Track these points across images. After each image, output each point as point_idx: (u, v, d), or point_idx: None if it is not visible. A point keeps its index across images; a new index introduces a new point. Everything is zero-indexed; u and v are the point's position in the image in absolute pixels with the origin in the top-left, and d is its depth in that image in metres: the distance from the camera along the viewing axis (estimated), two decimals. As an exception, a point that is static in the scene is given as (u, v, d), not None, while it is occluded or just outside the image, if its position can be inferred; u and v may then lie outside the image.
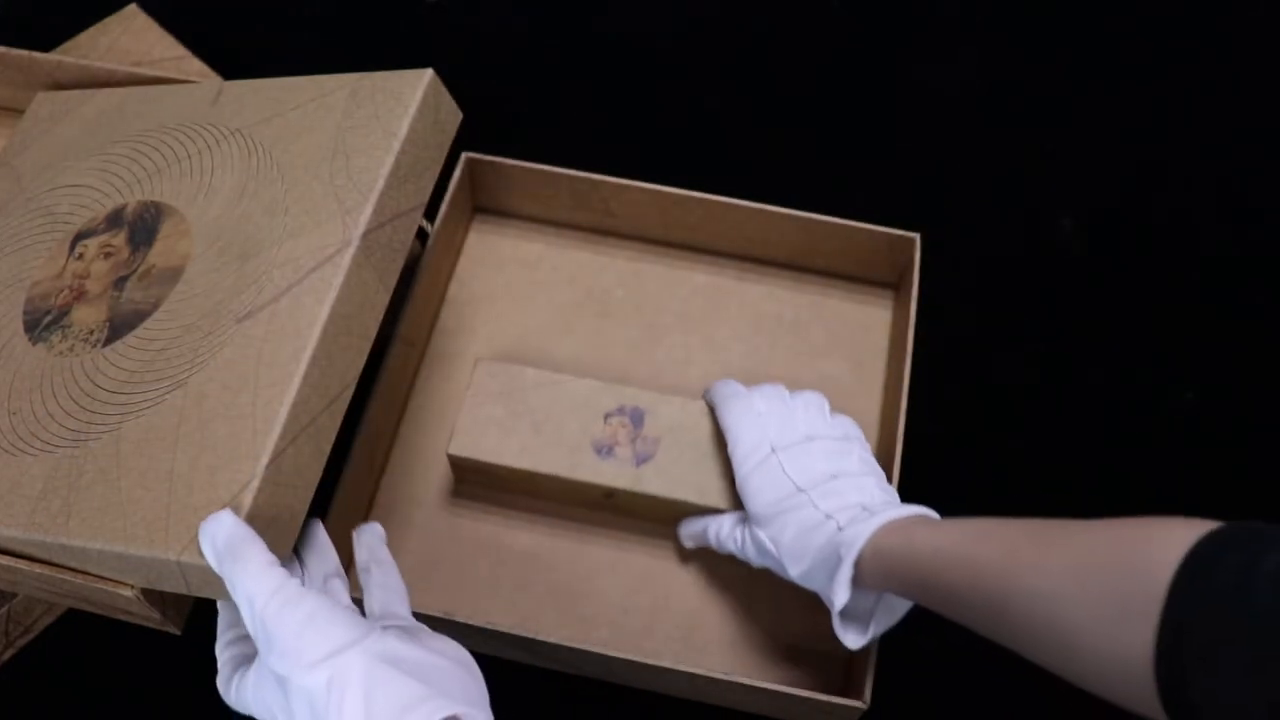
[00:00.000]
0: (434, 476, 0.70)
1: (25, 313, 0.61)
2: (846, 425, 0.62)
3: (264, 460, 0.48)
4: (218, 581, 0.46)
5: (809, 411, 0.61)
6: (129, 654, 0.65)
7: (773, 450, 0.59)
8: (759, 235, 0.75)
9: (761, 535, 0.58)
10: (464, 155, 0.74)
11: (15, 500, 0.53)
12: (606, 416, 0.66)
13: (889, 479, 0.63)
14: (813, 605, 0.65)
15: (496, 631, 0.58)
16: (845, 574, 0.53)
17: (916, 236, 0.71)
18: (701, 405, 0.66)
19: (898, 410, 0.66)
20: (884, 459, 0.66)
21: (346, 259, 0.54)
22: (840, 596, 0.53)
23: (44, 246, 0.64)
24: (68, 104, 0.72)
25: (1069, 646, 0.42)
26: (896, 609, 0.56)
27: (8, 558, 0.54)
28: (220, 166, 0.62)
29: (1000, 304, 0.79)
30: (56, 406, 0.56)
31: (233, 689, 0.46)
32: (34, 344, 0.59)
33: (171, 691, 0.64)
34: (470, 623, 0.58)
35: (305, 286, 0.54)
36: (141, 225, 0.62)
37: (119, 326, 0.58)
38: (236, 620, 0.50)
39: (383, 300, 0.56)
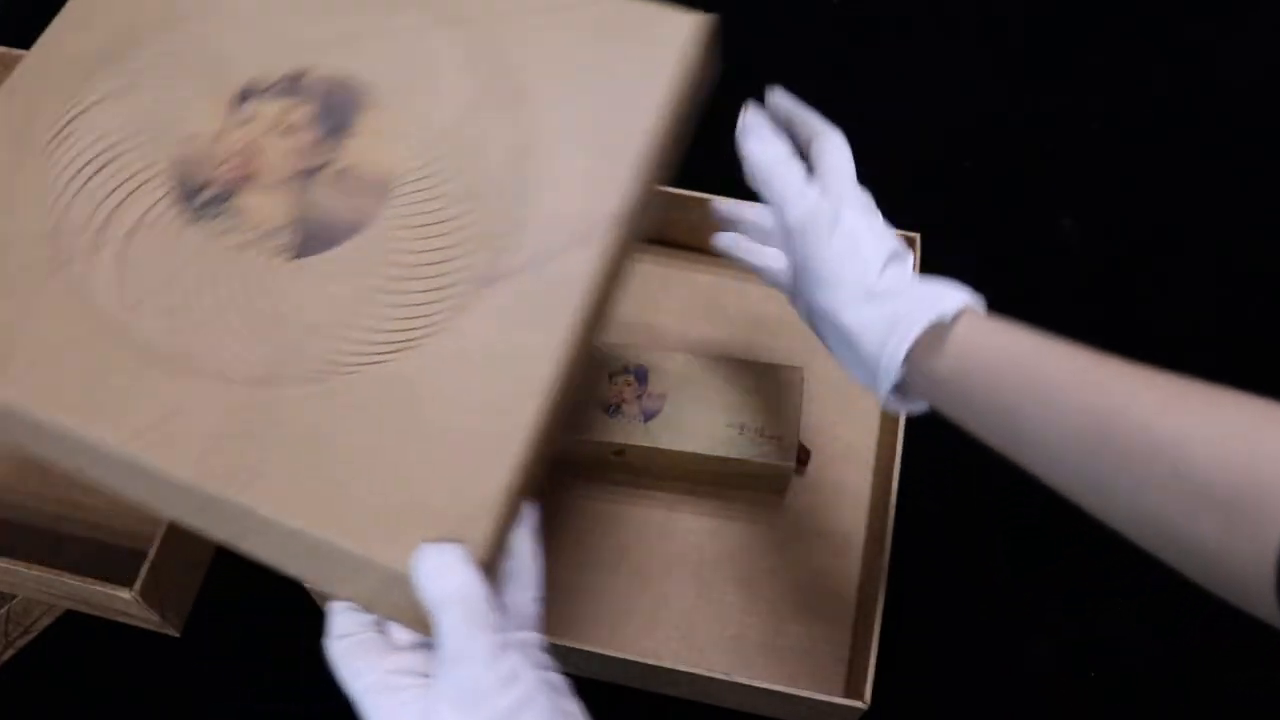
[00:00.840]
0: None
1: (175, 175, 0.49)
2: None
3: (517, 462, 0.41)
4: (419, 615, 0.40)
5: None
6: (128, 655, 0.65)
7: (838, 212, 0.53)
8: (759, 235, 0.74)
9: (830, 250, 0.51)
10: (463, 155, 0.74)
11: (179, 432, 0.42)
12: (611, 376, 0.67)
13: (891, 478, 0.63)
14: (813, 606, 0.65)
15: (496, 632, 0.58)
16: (913, 334, 0.47)
17: (916, 236, 0.71)
18: (704, 360, 0.68)
19: None
20: (884, 458, 0.66)
21: (607, 232, 0.46)
22: (900, 350, 0.47)
23: (194, 87, 0.50)
24: None
25: (1199, 495, 0.38)
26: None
27: (6, 559, 0.54)
28: (436, 58, 0.50)
29: (1000, 304, 0.79)
30: (237, 322, 0.45)
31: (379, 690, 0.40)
32: (189, 223, 0.47)
33: (171, 692, 0.64)
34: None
35: (562, 260, 0.45)
36: (332, 106, 0.50)
37: (311, 237, 0.47)
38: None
39: (622, 285, 0.48)
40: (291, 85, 0.51)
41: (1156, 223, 0.82)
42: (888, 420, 0.69)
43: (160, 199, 0.48)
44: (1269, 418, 0.39)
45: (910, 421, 0.66)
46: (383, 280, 0.45)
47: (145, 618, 0.57)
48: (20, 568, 0.55)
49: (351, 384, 0.43)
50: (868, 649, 0.58)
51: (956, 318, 0.48)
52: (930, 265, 0.71)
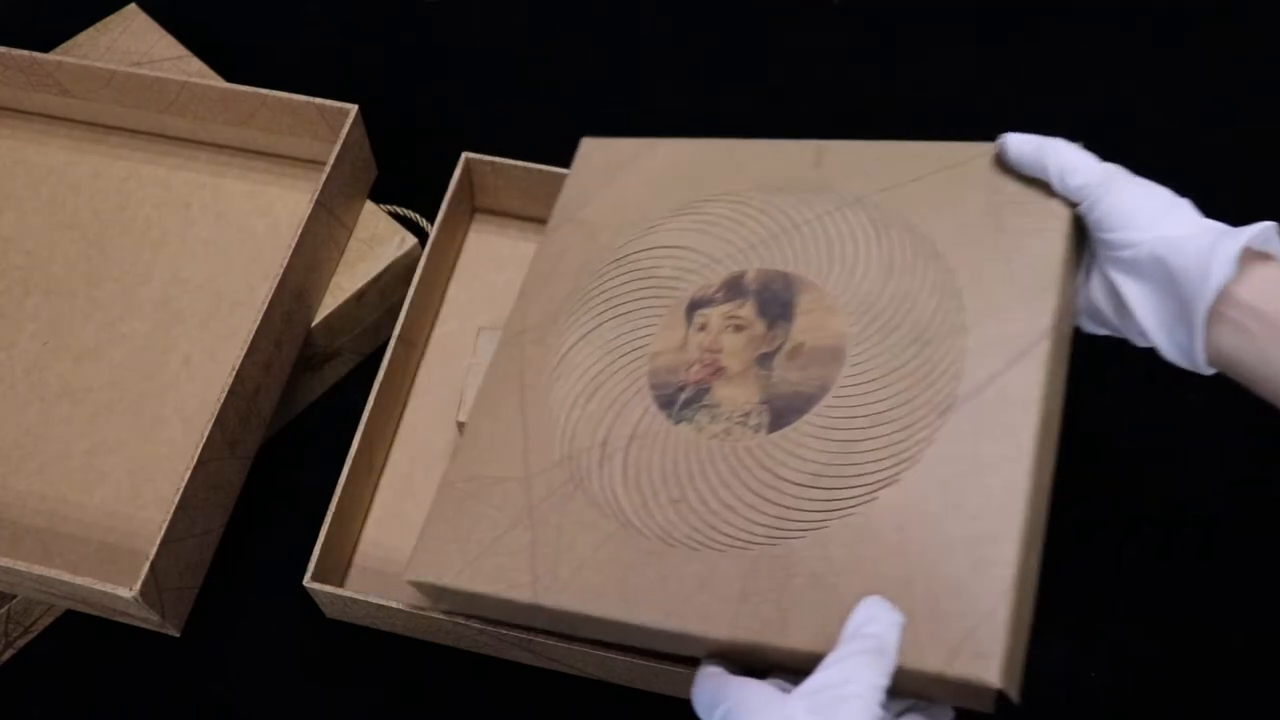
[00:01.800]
0: (433, 477, 0.69)
1: (653, 387, 0.57)
2: None
3: (1014, 569, 0.46)
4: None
5: None
6: (128, 655, 0.65)
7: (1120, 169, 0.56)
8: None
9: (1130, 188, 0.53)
10: (464, 155, 0.74)
11: (710, 601, 0.50)
12: None
13: None
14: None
15: (496, 632, 0.58)
16: (1247, 235, 0.48)
17: (917, 236, 0.71)
18: None
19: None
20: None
21: (1044, 351, 0.51)
22: (1228, 255, 0.47)
23: (653, 313, 0.60)
24: (622, 154, 0.68)
25: None
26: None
27: (7, 559, 0.54)
28: (849, 237, 0.59)
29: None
30: (734, 498, 0.53)
31: None
32: (676, 424, 0.56)
33: (171, 692, 0.64)
34: (470, 624, 0.58)
35: (1008, 380, 0.51)
36: (771, 297, 0.58)
37: (781, 410, 0.54)
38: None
39: (1062, 396, 0.53)
40: (732, 289, 0.59)
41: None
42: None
43: (646, 409, 0.56)
44: None
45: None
46: (854, 432, 0.52)
47: (145, 618, 0.57)
48: (20, 567, 0.55)
49: (847, 525, 0.49)
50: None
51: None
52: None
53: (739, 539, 0.51)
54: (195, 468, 0.58)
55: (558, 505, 0.55)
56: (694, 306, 0.59)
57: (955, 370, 0.52)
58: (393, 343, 0.67)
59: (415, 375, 0.73)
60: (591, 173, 0.68)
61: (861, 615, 0.45)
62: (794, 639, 0.47)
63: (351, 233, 0.74)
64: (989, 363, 0.52)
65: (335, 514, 0.62)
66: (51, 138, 0.77)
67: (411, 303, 0.69)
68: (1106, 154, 0.88)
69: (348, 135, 0.70)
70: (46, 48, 0.79)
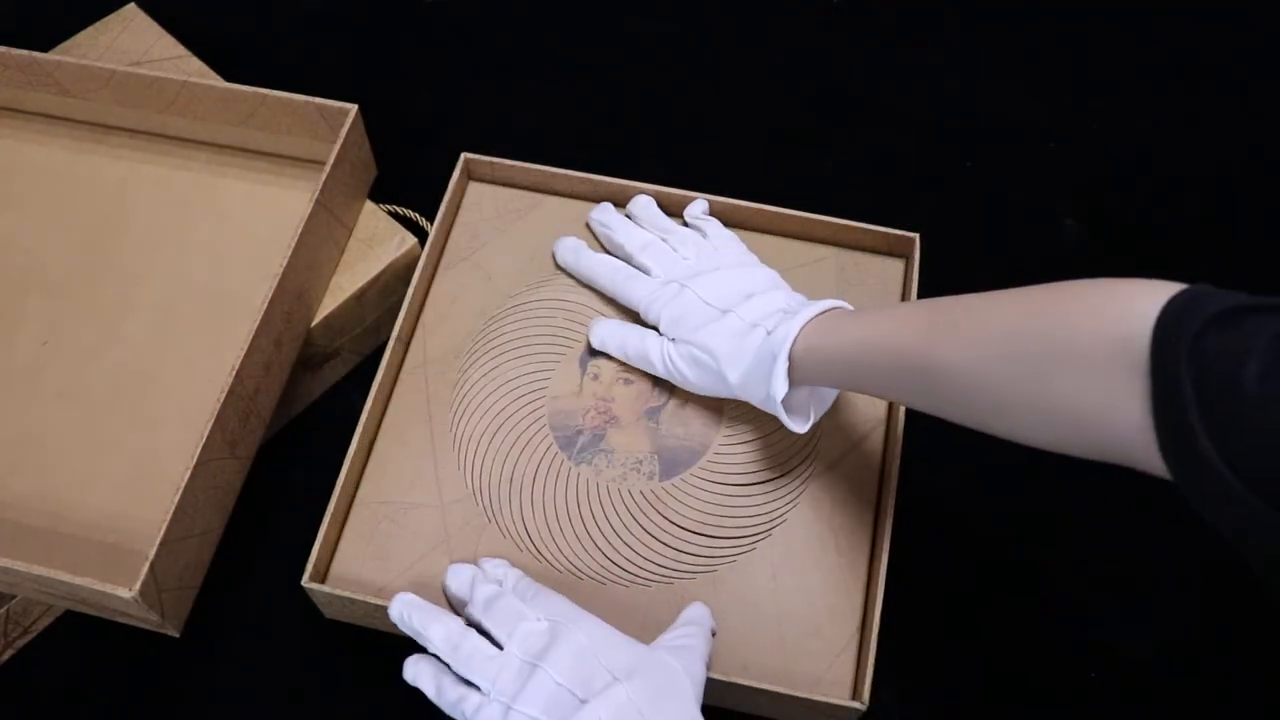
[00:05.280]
0: (433, 477, 0.70)
1: (552, 428, 0.64)
2: (741, 251, 0.68)
3: (860, 615, 0.59)
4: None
5: (701, 250, 0.67)
6: (128, 655, 0.65)
7: (681, 286, 0.64)
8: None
9: (692, 348, 0.62)
10: (464, 155, 0.74)
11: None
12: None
13: (889, 473, 0.63)
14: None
15: (495, 632, 0.58)
16: (781, 370, 0.57)
17: (916, 236, 0.71)
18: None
19: (897, 409, 0.66)
20: (885, 460, 0.66)
21: (880, 433, 0.63)
22: (779, 389, 0.57)
23: (550, 358, 0.67)
24: (513, 205, 0.74)
25: (998, 405, 0.47)
26: (827, 398, 0.62)
27: (6, 559, 0.54)
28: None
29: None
30: (633, 538, 0.61)
31: None
32: (576, 465, 0.63)
33: (171, 692, 0.64)
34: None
35: (855, 456, 0.63)
36: None
37: (670, 462, 0.63)
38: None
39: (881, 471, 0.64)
40: None
41: (1157, 223, 0.82)
42: (890, 426, 0.69)
43: (549, 449, 0.64)
44: (1043, 318, 0.46)
45: (910, 423, 0.66)
46: (733, 488, 0.63)
47: (145, 618, 0.57)
48: (20, 567, 0.55)
49: (732, 571, 0.61)
50: (867, 649, 0.58)
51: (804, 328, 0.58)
52: (931, 265, 0.71)
53: (639, 577, 0.60)
54: (195, 468, 0.58)
55: (473, 534, 0.62)
56: (587, 354, 0.67)
57: (814, 445, 0.64)
58: (392, 343, 0.67)
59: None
60: (484, 218, 0.73)
61: (691, 613, 0.57)
62: None
63: (351, 233, 0.74)
64: (840, 442, 0.64)
65: (335, 514, 0.62)
66: (51, 138, 0.77)
67: (409, 303, 0.69)
68: (1108, 156, 0.88)
69: (348, 135, 0.70)
70: (46, 48, 0.79)
